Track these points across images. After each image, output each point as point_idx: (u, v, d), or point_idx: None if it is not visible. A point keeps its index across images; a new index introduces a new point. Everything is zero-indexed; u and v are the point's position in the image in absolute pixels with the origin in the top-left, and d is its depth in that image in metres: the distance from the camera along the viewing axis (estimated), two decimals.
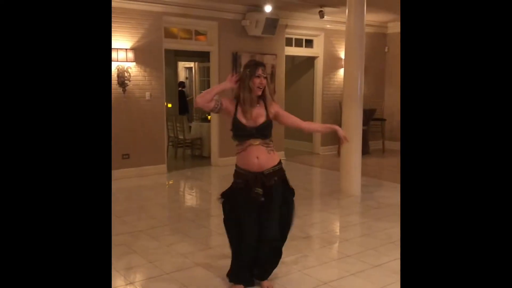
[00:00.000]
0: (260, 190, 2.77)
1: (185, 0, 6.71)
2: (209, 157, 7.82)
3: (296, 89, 9.35)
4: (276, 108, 2.93)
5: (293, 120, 3.04)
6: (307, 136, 9.18)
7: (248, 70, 2.80)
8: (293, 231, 4.21)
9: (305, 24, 8.23)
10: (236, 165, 2.89)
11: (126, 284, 3.12)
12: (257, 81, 2.78)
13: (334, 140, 8.49)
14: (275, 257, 3.04)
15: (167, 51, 7.39)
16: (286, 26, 8.02)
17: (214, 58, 7.45)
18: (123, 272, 3.32)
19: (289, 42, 8.36)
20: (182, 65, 12.62)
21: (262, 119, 2.83)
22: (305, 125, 3.16)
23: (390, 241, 4.02)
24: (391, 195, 5.55)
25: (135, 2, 6.36)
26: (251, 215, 2.86)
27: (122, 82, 6.38)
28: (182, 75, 12.73)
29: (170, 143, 8.60)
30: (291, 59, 8.99)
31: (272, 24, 7.39)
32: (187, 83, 12.58)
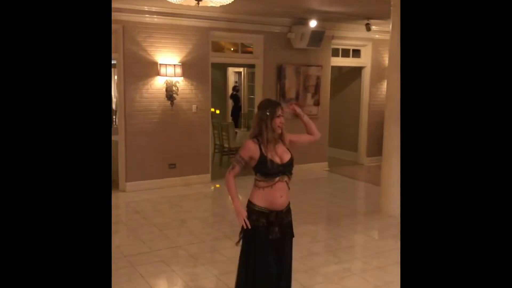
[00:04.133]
0: (277, 230, 2.85)
1: (232, 15, 6.88)
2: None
3: (343, 99, 9.30)
4: (288, 137, 3.02)
5: (305, 137, 3.11)
6: (352, 145, 9.12)
7: (268, 111, 2.90)
8: (324, 255, 4.29)
9: (352, 34, 8.16)
10: (252, 203, 2.88)
11: None
12: (278, 121, 2.88)
13: (381, 150, 8.38)
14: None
15: None
16: (333, 37, 7.99)
17: (259, 70, 7.58)
18: None
19: (335, 52, 8.33)
20: (232, 70, 12.87)
21: (287, 156, 2.90)
22: (311, 136, 3.17)
23: None
24: None
25: (184, 19, 6.61)
26: (271, 255, 2.91)
27: (170, 96, 6.67)
28: (231, 80, 12.98)
29: (216, 151, 8.85)
30: (338, 68, 8.95)
31: (317, 37, 7.41)
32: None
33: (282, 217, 2.89)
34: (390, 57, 5.67)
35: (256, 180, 2.93)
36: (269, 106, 2.93)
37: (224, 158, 8.80)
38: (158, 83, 6.60)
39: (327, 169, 8.28)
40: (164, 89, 6.63)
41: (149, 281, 3.69)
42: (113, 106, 8.14)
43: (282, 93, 7.67)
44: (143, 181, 6.68)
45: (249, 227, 2.80)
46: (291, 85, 7.73)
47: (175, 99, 6.70)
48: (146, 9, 6.32)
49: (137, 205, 6.00)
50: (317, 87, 8.00)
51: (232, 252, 4.34)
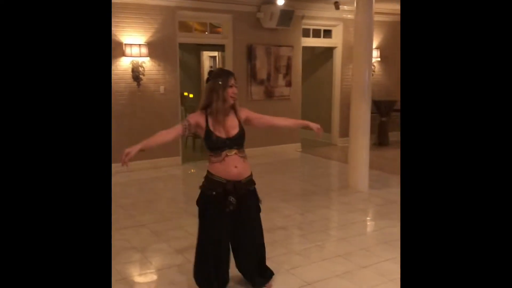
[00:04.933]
0: (234, 200, 2.80)
1: None
2: None
3: (316, 79, 9.29)
4: (245, 113, 2.96)
5: (266, 120, 3.04)
6: (325, 126, 9.08)
7: (220, 80, 2.82)
8: (289, 229, 4.30)
9: (322, 14, 8.13)
10: (210, 173, 2.87)
11: (117, 280, 3.29)
12: (230, 91, 2.81)
13: None
14: (264, 261, 3.13)
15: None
16: (303, 17, 7.95)
17: (228, 51, 7.50)
18: (118, 267, 3.49)
19: (306, 33, 8.29)
20: (206, 54, 12.73)
21: (235, 130, 2.84)
22: (278, 121, 3.16)
23: (384, 241, 4.02)
24: (399, 191, 5.48)
25: None
26: (225, 224, 2.88)
27: (136, 77, 6.55)
28: (206, 64, 12.85)
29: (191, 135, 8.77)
30: (310, 49, 8.92)
31: (287, 16, 7.35)
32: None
33: (240, 187, 2.86)
34: (355, 36, 5.65)
35: (208, 155, 2.91)
36: (222, 75, 2.87)
37: (197, 142, 8.72)
38: (124, 64, 6.47)
39: (300, 150, 8.28)
40: (130, 70, 6.51)
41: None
42: None
43: (253, 74, 7.61)
44: (112, 164, 6.55)
45: (128, 166, 2.77)
46: (262, 65, 7.67)
47: (141, 80, 6.59)
48: None
49: None
50: (289, 67, 7.95)
51: (196, 229, 4.30)
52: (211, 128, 2.80)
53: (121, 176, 6.39)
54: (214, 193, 2.82)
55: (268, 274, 3.15)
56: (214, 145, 2.82)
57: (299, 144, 8.37)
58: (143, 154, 6.89)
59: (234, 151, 2.83)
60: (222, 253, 2.93)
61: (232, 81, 2.83)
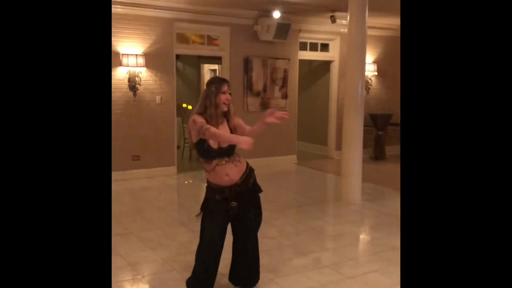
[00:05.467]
0: (235, 204, 2.84)
1: (197, 7, 6.85)
2: None
3: (313, 92, 9.33)
4: (236, 121, 2.97)
5: (248, 129, 2.98)
6: (321, 139, 9.15)
7: (213, 87, 2.85)
8: (277, 239, 4.28)
9: (319, 28, 8.20)
10: (208, 180, 2.93)
11: None
12: (223, 97, 2.83)
13: None
14: (257, 261, 3.15)
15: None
16: (300, 30, 8.02)
17: (225, 63, 7.56)
18: None
19: (303, 46, 8.36)
20: (207, 67, 12.83)
21: None
22: (250, 129, 3.15)
23: (373, 252, 3.99)
24: (392, 204, 5.47)
25: (147, 9, 6.56)
26: (222, 227, 2.92)
27: (133, 86, 6.60)
28: (206, 77, 12.94)
29: (186, 145, 8.78)
30: (308, 63, 8.97)
31: (283, 29, 7.42)
32: None
33: (236, 189, 2.88)
34: (348, 49, 5.71)
35: (201, 161, 2.93)
36: (215, 82, 2.90)
37: (194, 153, 8.74)
38: (120, 74, 6.52)
39: (296, 162, 8.28)
40: (127, 80, 6.56)
41: None
42: None
43: (249, 85, 7.66)
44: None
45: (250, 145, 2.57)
46: (258, 77, 7.72)
47: (138, 89, 6.64)
48: None
49: None
50: (285, 80, 8.00)
51: (184, 237, 4.30)
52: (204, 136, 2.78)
53: (112, 184, 6.39)
54: (217, 197, 2.86)
55: (256, 278, 3.15)
56: (205, 153, 2.84)
57: (294, 156, 8.37)
58: (138, 163, 6.89)
59: (225, 160, 2.84)
60: (216, 257, 2.95)
61: (225, 88, 2.84)
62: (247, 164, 3.01)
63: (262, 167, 7.69)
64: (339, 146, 8.82)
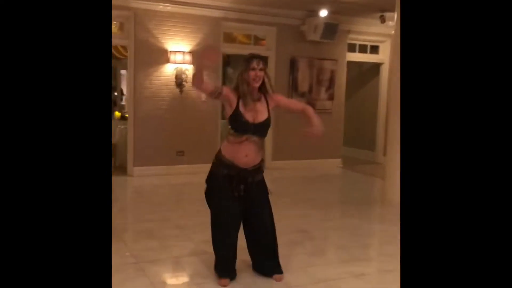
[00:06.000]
0: (242, 187, 2.84)
1: (244, 6, 6.94)
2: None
3: (362, 95, 9.13)
4: (276, 99, 2.97)
5: (295, 104, 3.07)
6: (369, 144, 8.90)
7: (244, 64, 2.86)
8: (310, 232, 4.19)
9: (369, 30, 8.03)
10: (220, 152, 2.92)
11: (133, 263, 3.34)
12: (252, 73, 2.82)
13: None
14: (275, 246, 3.10)
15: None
16: (349, 31, 7.90)
17: (271, 63, 7.57)
18: (135, 252, 3.54)
19: (352, 48, 8.22)
20: None
21: (262, 117, 2.86)
22: (294, 105, 3.11)
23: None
24: None
25: (195, 8, 6.72)
26: (236, 206, 2.90)
27: (179, 83, 6.76)
28: None
29: None
30: (358, 65, 8.80)
31: (331, 29, 7.34)
32: None
33: (245, 175, 2.86)
34: (392, 50, 5.54)
35: (228, 133, 2.93)
36: (248, 59, 2.90)
37: None
38: (168, 70, 6.71)
39: (341, 165, 8.10)
40: (174, 76, 6.73)
41: (128, 245, 3.72)
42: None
43: (294, 86, 7.62)
44: (151, 167, 6.75)
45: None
46: (303, 78, 7.67)
47: (184, 86, 6.78)
48: None
49: (139, 188, 6.08)
50: (331, 81, 7.89)
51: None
52: (241, 108, 2.82)
53: (156, 178, 6.55)
54: (225, 172, 2.84)
55: (277, 262, 3.09)
56: (239, 127, 2.84)
57: (339, 160, 8.20)
58: (183, 158, 7.00)
59: (255, 138, 2.84)
60: (231, 233, 2.94)
61: (254, 64, 2.82)
62: (263, 160, 3.00)
63: (306, 169, 7.62)
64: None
